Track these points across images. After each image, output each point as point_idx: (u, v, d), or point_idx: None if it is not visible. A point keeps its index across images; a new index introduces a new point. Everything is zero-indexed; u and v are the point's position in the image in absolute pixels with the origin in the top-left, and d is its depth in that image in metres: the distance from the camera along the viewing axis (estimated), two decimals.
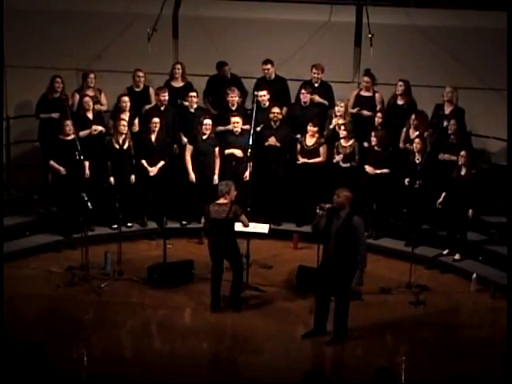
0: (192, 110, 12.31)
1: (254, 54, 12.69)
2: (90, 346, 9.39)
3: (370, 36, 11.83)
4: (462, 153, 11.06)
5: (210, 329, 9.78)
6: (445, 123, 11.66)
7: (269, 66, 12.49)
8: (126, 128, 11.78)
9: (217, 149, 12.11)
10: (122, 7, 13.05)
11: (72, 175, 11.53)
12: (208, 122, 11.95)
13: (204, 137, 12.01)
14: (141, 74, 12.38)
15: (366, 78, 12.39)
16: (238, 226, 10.02)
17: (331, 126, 12.20)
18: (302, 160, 12.11)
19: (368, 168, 11.74)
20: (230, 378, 8.76)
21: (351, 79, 12.91)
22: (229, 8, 13.06)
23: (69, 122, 11.52)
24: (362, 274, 9.18)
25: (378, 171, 11.70)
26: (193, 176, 12.10)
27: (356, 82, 12.75)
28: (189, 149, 12.12)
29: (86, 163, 11.63)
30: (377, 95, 12.43)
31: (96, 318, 10.04)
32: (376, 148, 11.72)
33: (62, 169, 11.53)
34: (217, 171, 12.11)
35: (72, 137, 11.51)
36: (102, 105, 12.38)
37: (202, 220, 10.29)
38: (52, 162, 11.61)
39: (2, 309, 8.88)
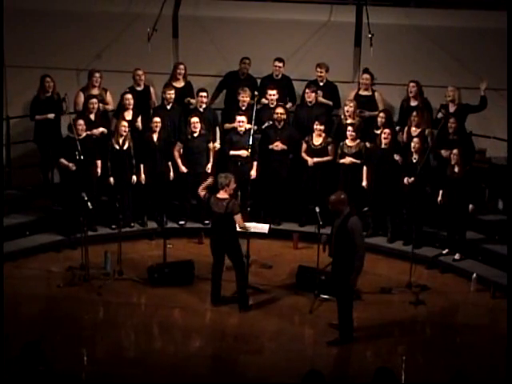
0: (201, 110, 12.29)
1: (253, 54, 12.67)
2: (90, 346, 9.40)
3: (369, 36, 11.83)
4: (455, 151, 11.07)
5: (210, 329, 9.81)
6: (439, 114, 11.75)
7: (281, 64, 12.48)
8: (127, 129, 11.77)
9: (210, 144, 12.10)
10: (122, 7, 13.04)
11: (83, 174, 11.48)
12: (195, 119, 11.93)
13: (195, 134, 12.00)
14: (140, 72, 12.37)
15: (365, 76, 12.34)
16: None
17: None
18: (315, 159, 11.98)
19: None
20: (230, 377, 8.76)
21: (351, 79, 12.90)
22: (229, 8, 13.06)
23: (81, 122, 11.51)
24: (356, 275, 9.13)
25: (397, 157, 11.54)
26: (183, 168, 12.06)
27: (356, 81, 12.73)
28: (178, 145, 12.09)
29: (99, 162, 11.69)
30: (376, 94, 12.41)
31: (96, 318, 10.04)
32: (384, 147, 11.66)
33: (71, 165, 11.47)
34: (210, 165, 12.06)
35: (84, 135, 11.54)
36: (107, 104, 12.39)
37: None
38: (62, 160, 11.57)
39: (2, 309, 8.87)
